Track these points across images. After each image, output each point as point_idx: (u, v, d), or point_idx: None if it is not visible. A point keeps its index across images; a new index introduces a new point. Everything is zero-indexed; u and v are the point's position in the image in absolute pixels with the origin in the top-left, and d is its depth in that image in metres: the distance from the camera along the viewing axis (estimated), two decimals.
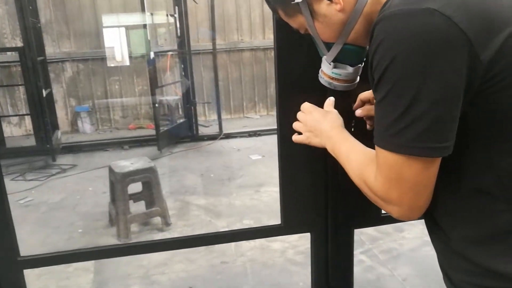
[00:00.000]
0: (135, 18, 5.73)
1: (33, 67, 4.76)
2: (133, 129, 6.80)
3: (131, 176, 3.23)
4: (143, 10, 5.14)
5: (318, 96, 1.13)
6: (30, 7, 5.11)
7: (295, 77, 1.19)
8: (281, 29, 1.15)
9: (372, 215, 1.34)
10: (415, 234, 3.07)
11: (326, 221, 1.32)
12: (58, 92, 6.70)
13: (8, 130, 6.77)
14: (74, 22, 6.58)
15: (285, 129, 1.20)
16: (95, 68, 6.78)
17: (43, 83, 4.90)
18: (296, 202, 1.30)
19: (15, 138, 6.52)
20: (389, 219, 1.40)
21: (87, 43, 6.70)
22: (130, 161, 3.39)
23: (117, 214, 3.24)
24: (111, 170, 3.33)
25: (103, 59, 6.65)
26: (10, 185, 4.56)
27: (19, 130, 6.76)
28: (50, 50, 6.56)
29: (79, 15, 6.57)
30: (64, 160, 5.33)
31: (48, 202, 4.03)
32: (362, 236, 3.07)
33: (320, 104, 1.05)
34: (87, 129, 6.68)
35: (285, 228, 1.33)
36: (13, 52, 5.95)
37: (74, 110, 6.76)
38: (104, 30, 6.32)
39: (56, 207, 3.91)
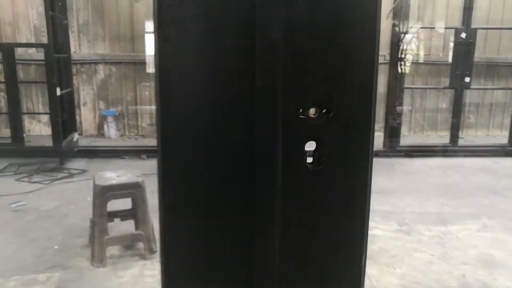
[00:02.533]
0: None
1: (50, 64, 4.54)
2: None
3: (112, 191, 2.78)
4: None
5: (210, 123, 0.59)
6: (59, 3, 4.95)
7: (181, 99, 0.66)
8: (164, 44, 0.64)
9: None
10: None
11: None
12: (88, 94, 6.56)
13: (37, 129, 6.72)
14: (110, 25, 6.43)
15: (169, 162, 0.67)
16: (127, 72, 6.56)
17: (58, 81, 4.67)
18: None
19: (43, 137, 6.40)
20: None
21: (121, 47, 6.51)
22: (116, 173, 2.95)
23: (93, 234, 2.81)
24: (94, 182, 2.91)
25: (135, 63, 6.44)
26: (12, 185, 4.32)
27: (48, 130, 6.67)
28: (85, 51, 6.45)
29: (116, 18, 6.42)
30: (76, 164, 5.06)
31: (39, 209, 3.70)
32: None
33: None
34: (112, 134, 6.44)
35: None
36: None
37: (101, 114, 6.57)
38: (147, 35, 6.15)
39: (44, 216, 3.56)
